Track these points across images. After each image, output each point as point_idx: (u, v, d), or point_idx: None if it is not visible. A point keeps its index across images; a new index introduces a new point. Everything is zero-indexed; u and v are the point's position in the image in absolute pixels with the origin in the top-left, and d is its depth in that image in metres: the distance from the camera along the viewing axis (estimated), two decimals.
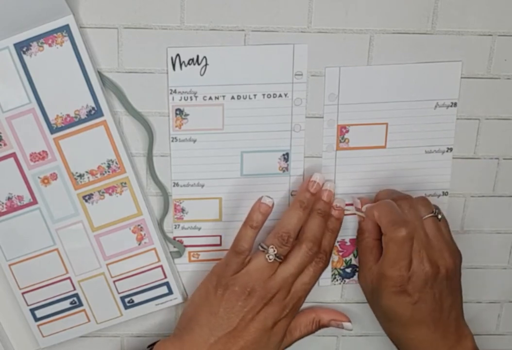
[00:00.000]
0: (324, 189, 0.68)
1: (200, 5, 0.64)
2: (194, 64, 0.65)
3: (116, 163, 0.66)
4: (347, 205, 0.69)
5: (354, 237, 0.71)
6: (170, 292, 0.70)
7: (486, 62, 0.68)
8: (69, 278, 0.69)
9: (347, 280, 0.73)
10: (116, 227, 0.68)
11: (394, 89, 0.67)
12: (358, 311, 0.73)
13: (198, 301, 0.66)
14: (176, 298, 0.70)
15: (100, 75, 0.65)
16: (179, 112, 0.67)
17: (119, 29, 0.64)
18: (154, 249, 0.69)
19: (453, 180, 0.71)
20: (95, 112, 0.65)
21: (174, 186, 0.68)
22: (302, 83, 0.67)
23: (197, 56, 0.65)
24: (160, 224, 0.69)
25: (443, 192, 0.71)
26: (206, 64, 0.65)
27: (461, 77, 0.68)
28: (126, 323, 0.71)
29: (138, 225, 0.68)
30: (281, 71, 0.66)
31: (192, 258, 0.71)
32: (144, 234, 0.68)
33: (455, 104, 0.69)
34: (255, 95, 0.67)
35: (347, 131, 0.68)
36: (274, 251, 0.65)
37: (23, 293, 0.68)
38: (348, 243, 0.71)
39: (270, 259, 0.64)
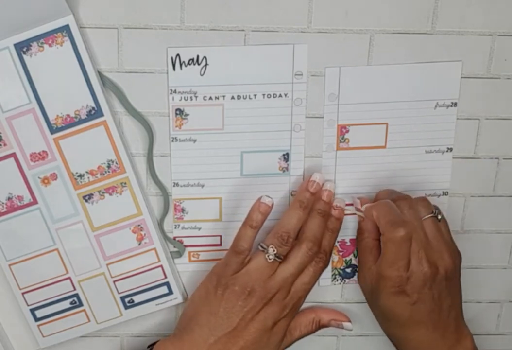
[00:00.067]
0: (324, 189, 0.67)
1: (200, 5, 0.64)
2: (194, 64, 0.65)
3: (116, 163, 0.66)
4: (347, 205, 0.69)
5: (354, 237, 0.71)
6: (170, 292, 0.70)
7: (486, 62, 0.68)
8: (69, 278, 0.69)
9: (347, 280, 0.73)
10: (116, 227, 0.68)
11: (394, 89, 0.67)
12: (358, 311, 0.73)
13: (198, 301, 0.66)
14: (176, 298, 0.70)
15: (100, 75, 0.65)
16: (179, 112, 0.67)
17: (119, 29, 0.64)
18: (154, 249, 0.69)
19: (453, 180, 0.71)
20: (95, 112, 0.65)
21: (174, 186, 0.68)
22: (302, 83, 0.67)
23: (197, 56, 0.65)
24: (160, 224, 0.69)
25: (443, 192, 0.71)
26: (206, 64, 0.65)
27: (461, 77, 0.68)
28: (126, 323, 0.71)
29: (138, 225, 0.68)
30: (281, 71, 0.66)
31: (192, 258, 0.71)
32: (144, 234, 0.68)
33: (455, 104, 0.69)
34: (255, 95, 0.67)
35: (347, 131, 0.68)
36: (273, 251, 0.65)
37: (23, 293, 0.68)
38: (348, 243, 0.72)
39: (269, 259, 0.64)
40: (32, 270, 0.68)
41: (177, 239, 0.70)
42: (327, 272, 0.71)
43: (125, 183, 0.67)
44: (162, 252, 0.69)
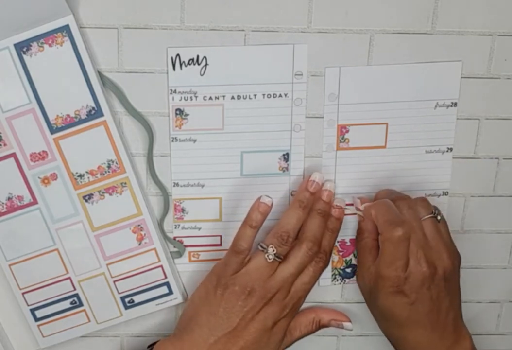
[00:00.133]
0: (324, 189, 0.67)
1: (200, 5, 0.64)
2: (194, 64, 0.65)
3: (116, 163, 0.66)
4: (347, 205, 0.69)
5: (354, 237, 0.71)
6: (170, 292, 0.70)
7: (486, 62, 0.68)
8: (69, 278, 0.69)
9: (347, 280, 0.73)
10: (116, 227, 0.68)
11: (394, 89, 0.67)
12: (358, 311, 0.73)
13: (198, 301, 0.66)
14: (176, 298, 0.70)
15: (100, 75, 0.65)
16: (179, 112, 0.67)
17: (119, 29, 0.64)
18: (154, 249, 0.69)
19: (453, 180, 0.71)
20: (95, 112, 0.65)
21: (174, 186, 0.68)
22: (302, 83, 0.67)
23: (197, 56, 0.65)
24: (160, 224, 0.69)
25: (443, 192, 0.71)
26: (206, 64, 0.65)
27: (461, 77, 0.68)
28: (126, 323, 0.71)
29: (138, 225, 0.68)
30: (281, 71, 0.66)
31: (192, 258, 0.71)
32: (144, 234, 0.68)
33: (455, 104, 0.69)
34: (255, 95, 0.67)
35: (347, 131, 0.68)
36: (273, 250, 0.65)
37: (23, 293, 0.68)
38: (348, 243, 0.72)
39: (269, 259, 0.64)
40: (32, 270, 0.68)
41: (177, 239, 0.70)
42: (327, 272, 0.71)
43: (125, 183, 0.67)
44: (162, 252, 0.69)
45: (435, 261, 0.65)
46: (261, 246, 0.65)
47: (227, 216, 0.69)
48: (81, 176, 0.66)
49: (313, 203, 0.67)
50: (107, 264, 0.69)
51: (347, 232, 0.71)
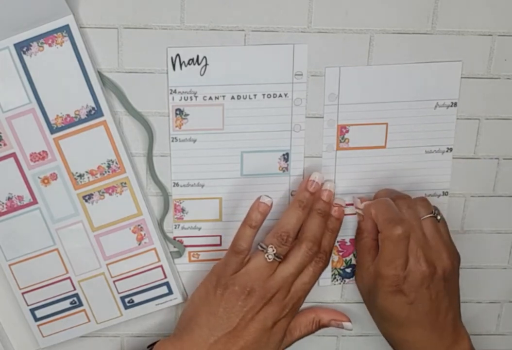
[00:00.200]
0: (324, 189, 0.67)
1: (200, 5, 0.64)
2: (194, 64, 0.65)
3: (116, 163, 0.66)
4: (347, 205, 0.69)
5: (354, 237, 0.71)
6: (170, 292, 0.70)
7: (486, 62, 0.68)
8: (69, 278, 0.69)
9: (347, 280, 0.73)
10: (116, 227, 0.68)
11: (394, 89, 0.67)
12: (358, 311, 0.73)
13: (197, 301, 0.66)
14: (176, 298, 0.70)
15: (100, 75, 0.65)
16: (179, 112, 0.67)
17: (119, 29, 0.64)
18: (154, 249, 0.69)
19: (453, 180, 0.71)
20: (95, 112, 0.65)
21: (174, 186, 0.68)
22: (302, 83, 0.67)
23: (197, 56, 0.65)
24: (160, 224, 0.69)
25: (443, 192, 0.71)
26: (206, 64, 0.65)
27: (461, 77, 0.68)
28: (126, 323, 0.71)
29: (138, 225, 0.68)
30: (281, 71, 0.66)
31: (192, 258, 0.71)
32: (144, 234, 0.68)
33: (455, 104, 0.69)
34: (255, 95, 0.67)
35: (347, 131, 0.68)
36: (273, 250, 0.65)
37: (23, 293, 0.68)
38: (348, 243, 0.71)
39: (269, 259, 0.64)
40: (32, 270, 0.68)
41: (177, 239, 0.70)
42: (327, 272, 0.71)
43: (125, 183, 0.67)
44: (162, 252, 0.69)
45: (434, 260, 0.65)
46: (261, 246, 0.65)
47: (227, 216, 0.69)
48: (81, 176, 0.66)
49: (313, 203, 0.67)
50: (107, 264, 0.69)
51: (347, 232, 0.71)
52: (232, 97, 0.66)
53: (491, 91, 0.68)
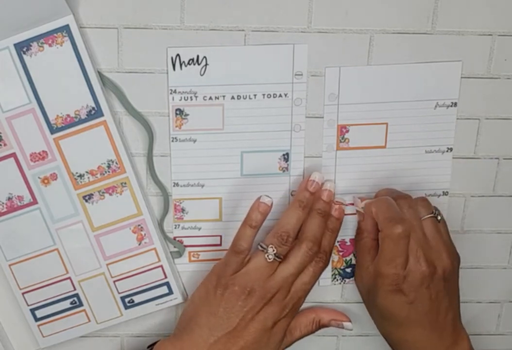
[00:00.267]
0: (324, 189, 0.67)
1: (200, 5, 0.64)
2: (194, 64, 0.65)
3: (116, 163, 0.66)
4: (347, 205, 0.69)
5: (354, 237, 0.71)
6: (170, 292, 0.70)
7: (486, 62, 0.68)
8: (69, 278, 0.69)
9: (347, 280, 0.73)
10: (116, 227, 0.68)
11: (394, 89, 0.67)
12: (358, 311, 0.73)
13: (198, 301, 0.66)
14: (176, 298, 0.70)
15: (100, 75, 0.65)
16: (179, 112, 0.67)
17: (119, 29, 0.64)
18: (154, 249, 0.69)
19: (453, 180, 0.71)
20: (95, 112, 0.65)
21: (174, 186, 0.68)
22: (302, 83, 0.67)
23: (197, 56, 0.65)
24: (160, 224, 0.69)
25: (443, 192, 0.71)
26: (206, 64, 0.65)
27: (461, 77, 0.68)
28: (126, 323, 0.71)
29: (138, 225, 0.68)
30: (281, 71, 0.66)
31: (192, 258, 0.71)
32: (144, 234, 0.68)
33: (455, 104, 0.69)
34: (255, 95, 0.67)
35: (347, 131, 0.68)
36: (273, 250, 0.65)
37: (23, 293, 0.68)
38: (348, 243, 0.71)
39: (269, 259, 0.64)
40: (32, 270, 0.68)
41: (177, 239, 0.70)
42: (327, 272, 0.71)
43: (125, 183, 0.67)
44: (162, 252, 0.69)
45: (434, 260, 0.65)
46: (261, 246, 0.65)
47: (227, 216, 0.69)
48: (81, 176, 0.66)
49: (313, 203, 0.67)
50: (107, 264, 0.69)
51: (347, 232, 0.71)
52: (232, 97, 0.66)
53: (491, 91, 0.68)
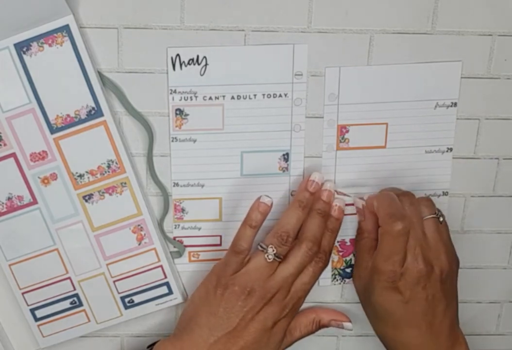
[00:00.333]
0: (323, 189, 0.67)
1: (200, 5, 0.64)
2: (194, 64, 0.65)
3: (116, 163, 0.66)
4: (346, 205, 0.69)
5: (354, 237, 0.71)
6: (170, 292, 0.70)
7: (486, 62, 0.68)
8: (69, 278, 0.69)
9: (347, 280, 0.73)
10: (116, 227, 0.68)
11: (394, 89, 0.67)
12: (358, 311, 0.73)
13: (198, 301, 0.66)
14: (176, 298, 0.70)
15: (100, 75, 0.65)
16: (179, 112, 0.67)
17: (119, 29, 0.64)
18: (154, 249, 0.69)
19: (453, 180, 0.71)
20: (95, 112, 0.65)
21: (174, 186, 0.68)
22: (302, 83, 0.67)
23: (197, 56, 0.65)
24: (160, 224, 0.69)
25: (443, 192, 0.71)
26: (206, 64, 0.65)
27: (461, 77, 0.68)
28: (126, 323, 0.71)
29: (138, 225, 0.68)
30: (281, 71, 0.66)
31: (192, 258, 0.71)
32: (144, 234, 0.68)
33: (455, 104, 0.69)
34: (255, 95, 0.67)
35: (347, 131, 0.68)
36: (273, 250, 0.65)
37: (23, 293, 0.68)
38: (348, 243, 0.72)
39: (269, 259, 0.64)
40: (32, 270, 0.68)
41: (177, 239, 0.70)
42: (327, 272, 0.71)
43: (125, 183, 0.67)
44: (162, 252, 0.69)
45: (432, 260, 0.65)
46: (261, 246, 0.65)
47: (227, 216, 0.69)
48: (81, 176, 0.66)
49: (312, 203, 0.67)
50: (107, 264, 0.69)
51: (347, 232, 0.71)
52: (232, 97, 0.66)
53: (491, 91, 0.68)
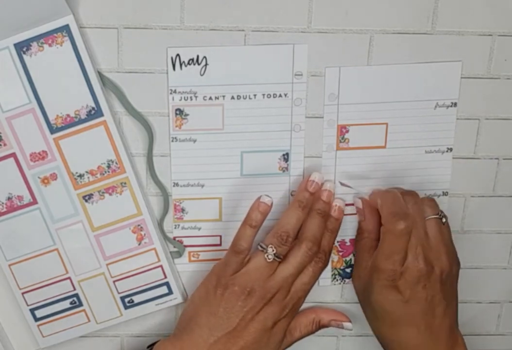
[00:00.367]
0: (323, 189, 0.67)
1: (200, 5, 0.64)
2: (194, 64, 0.65)
3: (116, 163, 0.66)
4: (346, 205, 0.69)
5: (354, 237, 0.71)
6: (170, 292, 0.70)
7: (486, 62, 0.68)
8: (69, 278, 0.69)
9: (347, 280, 0.73)
10: (116, 227, 0.68)
11: (394, 89, 0.67)
12: (358, 311, 0.73)
13: (197, 301, 0.66)
14: (176, 298, 0.70)
15: (100, 75, 0.65)
16: (179, 112, 0.67)
17: (119, 29, 0.64)
18: (154, 249, 0.69)
19: (453, 180, 0.71)
20: (95, 112, 0.65)
21: (174, 186, 0.68)
22: (302, 83, 0.67)
23: (197, 56, 0.65)
24: (160, 224, 0.69)
25: (443, 192, 0.71)
26: (206, 64, 0.65)
27: (461, 77, 0.68)
28: (126, 323, 0.71)
29: (138, 225, 0.68)
30: (281, 71, 0.66)
31: (192, 258, 0.71)
32: (144, 234, 0.68)
33: (455, 104, 0.69)
34: (255, 95, 0.67)
35: (347, 131, 0.68)
36: (273, 250, 0.64)
37: (23, 293, 0.68)
38: (348, 243, 0.71)
39: (269, 259, 0.64)
40: (32, 270, 0.68)
41: (177, 239, 0.70)
42: (327, 272, 0.71)
43: (125, 183, 0.67)
44: (162, 252, 0.69)
45: (433, 260, 0.65)
46: (261, 246, 0.65)
47: (227, 216, 0.69)
48: (81, 176, 0.66)
49: (312, 203, 0.67)
50: (107, 264, 0.69)
51: (347, 232, 0.71)
52: (232, 97, 0.66)
53: (491, 91, 0.68)
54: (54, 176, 0.66)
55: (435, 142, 0.69)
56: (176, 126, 0.67)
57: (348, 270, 0.72)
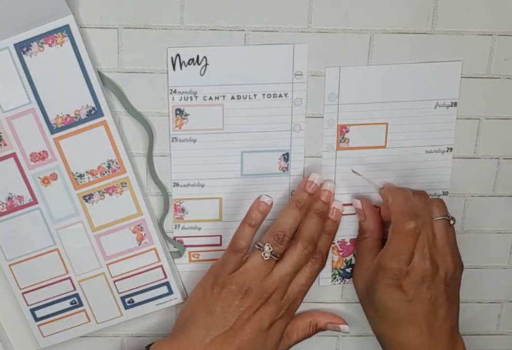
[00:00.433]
0: (323, 189, 0.67)
1: (200, 5, 0.64)
2: (194, 64, 0.65)
3: (116, 163, 0.66)
4: (344, 205, 0.69)
5: (354, 237, 0.71)
6: (170, 292, 0.70)
7: (486, 62, 0.68)
8: (69, 278, 0.69)
9: (347, 280, 0.73)
10: (116, 227, 0.68)
11: (394, 89, 0.67)
12: (358, 311, 0.73)
13: (195, 301, 0.66)
14: (176, 298, 0.70)
15: (100, 75, 0.65)
16: (179, 112, 0.67)
17: (119, 29, 0.64)
18: (154, 249, 0.69)
19: (453, 180, 0.71)
20: (95, 112, 0.65)
21: (174, 186, 0.68)
22: (302, 83, 0.67)
23: (197, 56, 0.65)
24: (160, 224, 0.69)
25: (443, 192, 0.71)
26: (206, 64, 0.65)
27: (461, 77, 0.68)
28: (126, 323, 0.71)
29: (138, 225, 0.68)
30: (281, 71, 0.66)
31: (192, 258, 0.71)
32: (144, 234, 0.68)
33: (455, 104, 0.69)
34: (255, 95, 0.67)
35: (347, 131, 0.68)
36: (269, 249, 0.64)
37: (23, 293, 0.68)
38: (348, 243, 0.71)
39: (266, 257, 0.64)
40: (32, 270, 0.68)
41: (177, 239, 0.70)
42: (327, 272, 0.71)
43: (125, 183, 0.67)
44: (162, 252, 0.69)
45: (439, 261, 0.65)
46: (258, 245, 0.65)
47: (227, 216, 0.69)
48: (81, 176, 0.66)
49: (311, 203, 0.67)
50: (107, 264, 0.69)
51: (348, 232, 0.71)
52: (232, 97, 0.66)
53: (491, 91, 0.68)
54: (54, 176, 0.66)
55: (435, 142, 0.69)
56: (176, 126, 0.67)
57: (348, 270, 0.72)
